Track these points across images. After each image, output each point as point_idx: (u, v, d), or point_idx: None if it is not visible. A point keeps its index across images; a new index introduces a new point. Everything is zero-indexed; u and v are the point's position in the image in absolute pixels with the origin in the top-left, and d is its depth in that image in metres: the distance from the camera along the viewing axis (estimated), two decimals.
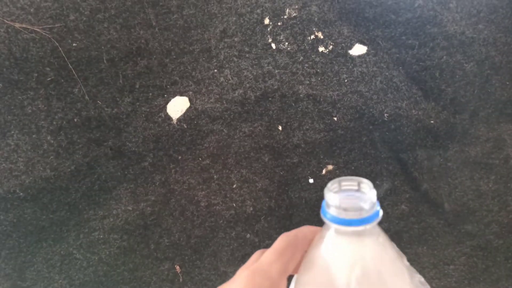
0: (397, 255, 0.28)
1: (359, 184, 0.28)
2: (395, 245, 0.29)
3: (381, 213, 0.28)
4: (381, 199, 0.85)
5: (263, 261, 0.28)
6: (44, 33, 0.76)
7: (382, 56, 0.83)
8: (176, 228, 0.83)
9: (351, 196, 0.28)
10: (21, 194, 0.78)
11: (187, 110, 0.82)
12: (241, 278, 0.27)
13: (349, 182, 0.28)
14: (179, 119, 0.82)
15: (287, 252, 0.30)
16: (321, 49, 0.83)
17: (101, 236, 0.82)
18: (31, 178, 0.78)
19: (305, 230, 0.32)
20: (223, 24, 0.82)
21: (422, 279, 0.31)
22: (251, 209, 0.83)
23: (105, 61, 0.79)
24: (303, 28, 0.82)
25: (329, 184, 0.29)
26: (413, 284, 0.28)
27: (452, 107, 0.84)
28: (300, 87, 0.82)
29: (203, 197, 0.83)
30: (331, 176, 0.84)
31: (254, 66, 0.82)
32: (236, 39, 0.82)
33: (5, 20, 0.75)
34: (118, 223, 0.82)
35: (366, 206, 0.27)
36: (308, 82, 0.82)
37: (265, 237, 0.84)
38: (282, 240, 0.31)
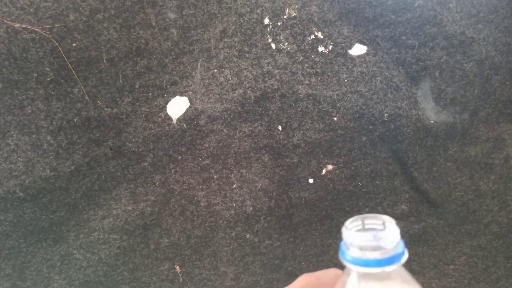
0: None
1: (384, 223, 0.26)
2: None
3: (406, 253, 0.25)
4: (381, 198, 0.85)
5: None
6: (43, 33, 0.76)
7: (382, 56, 0.83)
8: (176, 228, 0.83)
9: (369, 235, 0.25)
10: (21, 194, 0.78)
11: (187, 110, 0.82)
12: None
13: (372, 221, 0.26)
14: (179, 119, 0.81)
15: None
16: (321, 49, 0.83)
17: (101, 236, 0.82)
18: (31, 178, 0.78)
19: (330, 273, 0.30)
20: (223, 24, 0.82)
21: None
22: (251, 209, 0.83)
23: (104, 61, 0.79)
24: (303, 28, 0.82)
25: (348, 222, 0.26)
26: None
27: (452, 107, 0.84)
28: (300, 87, 0.82)
29: (203, 197, 0.83)
30: (331, 176, 0.84)
31: (254, 66, 0.82)
32: (236, 39, 0.82)
33: (4, 20, 0.74)
34: (118, 223, 0.82)
35: (388, 245, 0.25)
36: (308, 82, 0.82)
37: (265, 237, 0.84)
38: (301, 280, 0.30)
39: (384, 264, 0.24)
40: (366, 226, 0.26)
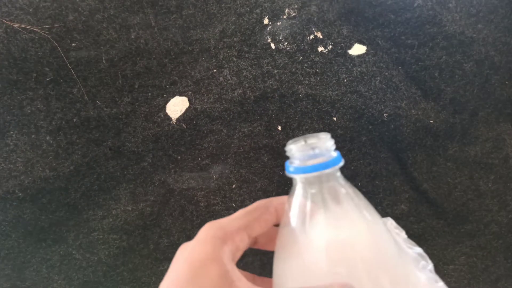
0: (363, 200, 0.29)
1: (320, 137, 0.29)
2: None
3: (342, 160, 0.29)
4: (380, 198, 0.85)
5: (227, 217, 0.30)
6: (43, 33, 0.76)
7: (382, 56, 0.83)
8: (175, 228, 0.83)
9: (307, 147, 0.28)
10: (20, 194, 0.78)
11: (187, 110, 0.82)
12: (200, 229, 0.29)
13: (312, 139, 0.29)
14: (178, 119, 0.81)
15: (253, 213, 0.30)
16: (320, 49, 0.83)
17: (101, 236, 0.81)
18: (30, 178, 0.78)
19: (283, 197, 0.32)
20: (222, 24, 0.82)
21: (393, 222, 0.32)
22: None
23: (104, 61, 0.79)
24: (303, 28, 0.82)
25: (290, 141, 0.29)
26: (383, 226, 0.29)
27: (452, 107, 0.84)
28: (300, 87, 0.82)
29: (202, 197, 0.83)
30: None
31: (254, 66, 0.82)
32: (235, 39, 0.82)
33: (3, 20, 0.74)
34: (118, 223, 0.82)
35: (324, 153, 0.28)
36: (307, 82, 0.82)
37: None
38: (256, 202, 0.32)
39: (321, 168, 0.27)
40: (307, 142, 0.29)
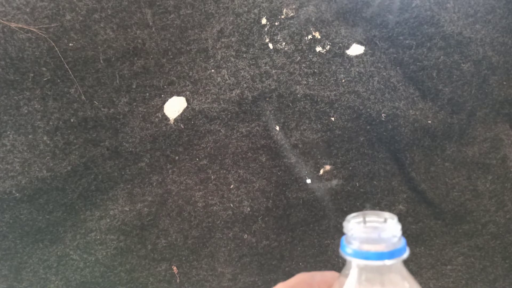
0: None
1: (385, 219, 0.25)
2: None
3: (408, 250, 0.25)
4: (378, 199, 0.85)
5: None
6: (40, 33, 0.75)
7: (380, 56, 0.83)
8: (173, 229, 0.83)
9: (371, 228, 0.25)
10: (17, 194, 0.78)
11: (184, 110, 0.81)
12: None
13: (373, 217, 0.26)
14: (176, 119, 0.81)
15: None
16: (318, 49, 0.83)
17: (98, 237, 0.81)
18: (27, 178, 0.78)
19: (326, 273, 0.30)
20: (220, 24, 0.81)
21: None
22: (248, 209, 0.83)
23: (101, 61, 0.78)
24: (301, 28, 0.82)
25: (350, 217, 0.26)
26: None
27: (449, 107, 0.84)
28: (298, 87, 0.82)
29: (200, 198, 0.82)
30: (329, 176, 0.84)
31: (251, 66, 0.82)
32: (233, 39, 0.82)
33: (0, 20, 0.74)
34: (115, 223, 0.81)
35: (390, 239, 0.24)
36: (305, 82, 0.82)
37: (263, 237, 0.84)
38: (297, 276, 0.30)
39: (385, 257, 0.24)
40: (367, 223, 0.26)
